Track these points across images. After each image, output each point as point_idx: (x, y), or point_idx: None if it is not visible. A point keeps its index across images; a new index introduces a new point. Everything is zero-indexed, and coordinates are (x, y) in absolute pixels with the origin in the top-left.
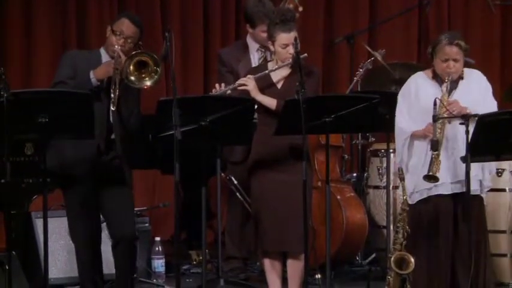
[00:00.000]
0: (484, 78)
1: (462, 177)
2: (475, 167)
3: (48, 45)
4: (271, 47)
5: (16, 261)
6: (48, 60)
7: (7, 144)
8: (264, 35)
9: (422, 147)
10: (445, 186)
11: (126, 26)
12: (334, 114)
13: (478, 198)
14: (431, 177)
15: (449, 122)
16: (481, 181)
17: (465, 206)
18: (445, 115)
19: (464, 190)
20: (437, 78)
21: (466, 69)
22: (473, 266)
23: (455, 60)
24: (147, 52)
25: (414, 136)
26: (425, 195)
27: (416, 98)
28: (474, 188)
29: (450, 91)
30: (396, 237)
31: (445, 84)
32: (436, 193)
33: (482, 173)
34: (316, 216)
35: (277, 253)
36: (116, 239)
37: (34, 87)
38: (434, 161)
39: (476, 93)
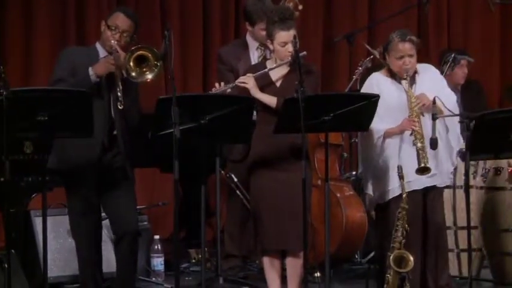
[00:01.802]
0: (437, 70)
1: (434, 171)
2: (447, 161)
3: (47, 44)
4: (270, 46)
5: (15, 259)
6: (47, 59)
7: (6, 142)
8: (264, 33)
9: (394, 144)
10: (418, 181)
11: (120, 20)
12: (333, 113)
13: (442, 191)
14: (424, 169)
15: (423, 115)
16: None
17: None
18: (417, 109)
19: (435, 184)
20: (394, 76)
21: (418, 64)
22: (440, 258)
23: (410, 56)
24: (145, 46)
25: (387, 134)
26: (397, 193)
27: (380, 97)
28: (446, 180)
29: (411, 86)
30: (395, 235)
31: (405, 81)
32: (408, 190)
33: (450, 166)
34: (315, 215)
35: (277, 251)
36: (118, 235)
37: (33, 86)
38: (421, 153)
39: (434, 85)
